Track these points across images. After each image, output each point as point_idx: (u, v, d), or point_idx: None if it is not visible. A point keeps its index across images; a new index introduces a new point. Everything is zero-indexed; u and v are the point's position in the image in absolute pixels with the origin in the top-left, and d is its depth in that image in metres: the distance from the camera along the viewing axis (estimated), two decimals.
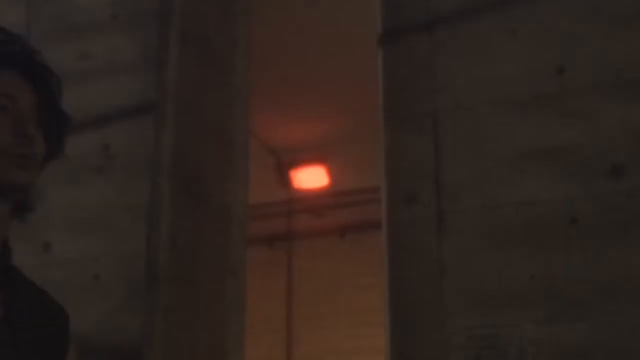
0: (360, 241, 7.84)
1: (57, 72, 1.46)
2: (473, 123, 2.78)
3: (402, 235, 2.77)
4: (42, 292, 1.43)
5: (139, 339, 2.89)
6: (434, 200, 2.74)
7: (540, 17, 2.78)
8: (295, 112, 6.72)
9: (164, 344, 3.01)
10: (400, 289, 2.74)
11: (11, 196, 1.36)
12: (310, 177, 7.91)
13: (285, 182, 7.94)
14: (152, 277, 3.04)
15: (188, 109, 3.37)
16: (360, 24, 4.30)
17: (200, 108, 3.46)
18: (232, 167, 3.58)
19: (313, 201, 8.16)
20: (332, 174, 7.80)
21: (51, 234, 3.18)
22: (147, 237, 3.06)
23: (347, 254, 8.09)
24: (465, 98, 2.81)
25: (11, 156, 1.32)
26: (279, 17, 5.37)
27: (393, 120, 2.91)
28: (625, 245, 2.52)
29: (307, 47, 5.75)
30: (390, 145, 2.88)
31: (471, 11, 2.87)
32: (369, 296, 7.15)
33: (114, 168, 3.19)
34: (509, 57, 2.79)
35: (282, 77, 6.07)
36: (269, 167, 7.62)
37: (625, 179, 2.57)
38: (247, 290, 3.58)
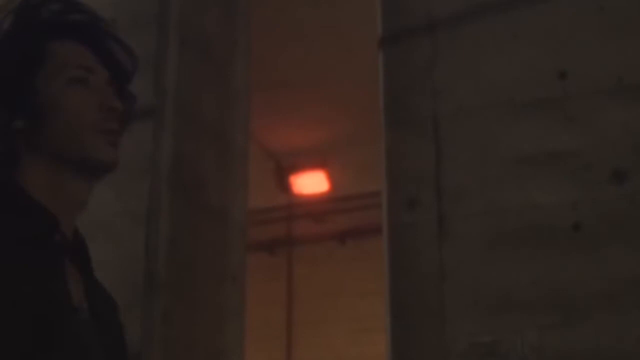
0: (360, 247, 7.85)
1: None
2: (474, 127, 2.78)
3: (402, 240, 2.77)
4: (97, 282, 1.38)
5: (137, 344, 2.89)
6: (435, 205, 2.74)
7: (542, 21, 2.78)
8: (295, 116, 6.73)
9: (163, 348, 3.01)
10: (400, 294, 2.73)
11: (100, 174, 1.31)
12: (310, 182, 7.91)
13: (285, 187, 7.94)
14: (151, 282, 3.03)
15: (187, 113, 3.38)
16: (361, 27, 4.30)
17: (200, 112, 3.46)
18: (231, 172, 3.58)
19: (313, 206, 8.16)
20: (332, 178, 7.80)
21: None
22: (146, 242, 3.06)
23: (348, 260, 8.09)
24: (467, 102, 2.81)
25: (101, 132, 1.27)
26: (278, 21, 5.37)
27: (394, 124, 2.91)
28: (628, 250, 2.52)
29: (307, 51, 5.76)
30: (391, 148, 2.88)
31: (472, 14, 2.87)
32: (370, 302, 7.15)
33: (111, 174, 3.19)
34: (510, 60, 2.79)
35: (282, 80, 6.07)
36: (268, 171, 7.63)
37: (628, 184, 2.57)
38: (247, 295, 3.57)
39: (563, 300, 2.54)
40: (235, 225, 3.54)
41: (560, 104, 2.70)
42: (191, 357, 3.18)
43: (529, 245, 2.62)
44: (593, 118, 2.65)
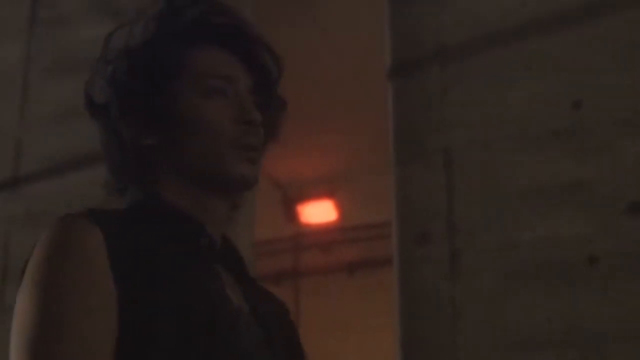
0: (370, 279, 7.82)
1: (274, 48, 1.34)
2: (487, 159, 2.78)
3: (413, 277, 2.76)
4: (261, 287, 1.36)
5: None
6: (447, 240, 2.74)
7: (555, 50, 2.79)
8: (302, 145, 6.73)
9: None
10: (412, 332, 2.72)
11: (238, 193, 1.27)
12: (318, 212, 7.91)
13: (292, 216, 7.94)
14: None
15: None
16: (370, 55, 4.32)
17: None
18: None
19: (321, 236, 8.15)
20: (340, 208, 7.79)
21: None
22: None
23: (356, 292, 8.06)
24: (479, 133, 2.81)
25: (239, 148, 1.22)
26: (286, 49, 5.38)
27: (404, 156, 2.91)
28: None
29: (315, 79, 5.78)
30: (401, 181, 2.88)
31: (484, 44, 2.88)
32: (380, 337, 7.10)
33: (116, 205, 3.19)
34: (523, 91, 2.79)
35: (289, 109, 6.08)
36: (275, 201, 7.62)
37: None
38: None
39: (579, 337, 2.53)
40: None
41: (575, 135, 2.69)
42: None
43: (543, 280, 2.61)
44: (609, 149, 2.65)
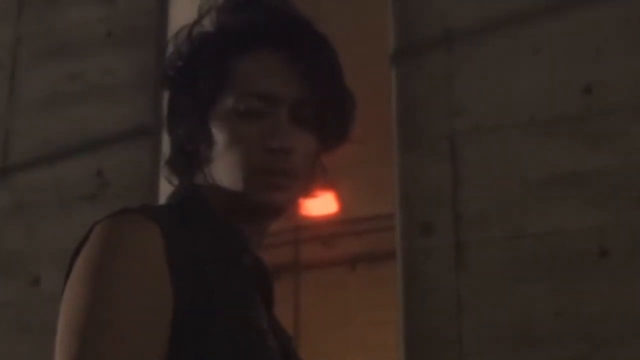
0: (372, 273, 7.82)
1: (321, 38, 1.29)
2: (493, 147, 2.77)
3: (417, 268, 2.76)
4: (274, 316, 1.38)
5: None
6: (452, 230, 2.73)
7: (565, 33, 2.78)
8: None
9: None
10: (415, 326, 2.72)
11: (265, 219, 1.27)
12: (319, 204, 7.89)
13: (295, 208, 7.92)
14: None
15: None
16: (372, 41, 4.30)
17: None
18: None
19: (321, 229, 8.13)
20: (341, 200, 7.78)
21: (40, 267, 3.18)
22: None
23: (359, 287, 8.06)
24: (485, 119, 2.80)
25: (263, 174, 1.21)
26: None
27: (407, 144, 2.90)
28: None
29: None
30: (404, 170, 2.88)
31: (491, 26, 2.87)
32: (383, 332, 7.11)
33: (108, 196, 3.19)
34: (532, 75, 2.78)
35: None
36: None
37: None
38: None
39: (589, 332, 2.52)
40: None
41: (586, 121, 2.69)
42: None
43: (552, 273, 2.60)
44: (620, 136, 2.64)
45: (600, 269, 2.56)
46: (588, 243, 2.59)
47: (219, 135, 1.24)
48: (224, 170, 1.23)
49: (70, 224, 3.14)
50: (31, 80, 3.49)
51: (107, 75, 3.37)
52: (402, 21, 3.03)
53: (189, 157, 1.28)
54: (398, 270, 2.80)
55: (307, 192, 1.33)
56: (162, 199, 3.16)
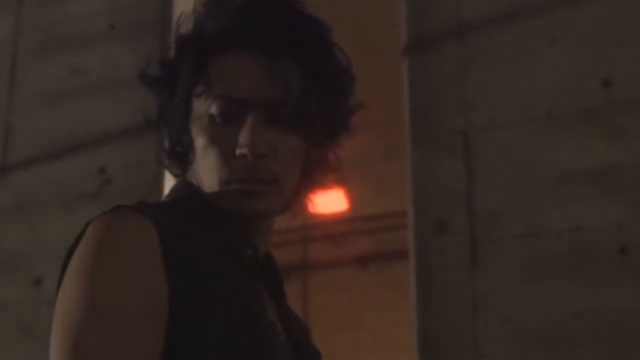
0: (383, 272, 7.82)
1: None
2: (510, 141, 2.77)
3: (431, 267, 2.75)
4: (291, 309, 1.38)
5: None
6: (467, 228, 2.73)
7: (584, 24, 2.77)
8: None
9: None
10: (429, 326, 2.72)
11: (252, 221, 1.27)
12: (328, 201, 7.89)
13: (300, 206, 7.92)
14: None
15: None
16: (384, 33, 4.29)
17: None
18: None
19: (331, 227, 8.14)
20: (351, 197, 7.78)
21: (42, 267, 3.18)
22: None
23: (369, 286, 8.06)
24: (501, 114, 2.79)
25: (236, 181, 1.22)
26: None
27: (420, 139, 2.90)
28: None
29: None
30: (417, 166, 2.87)
31: (507, 18, 2.86)
32: (395, 333, 7.10)
33: (111, 194, 3.19)
34: (549, 67, 2.78)
35: None
36: None
37: None
38: None
39: (609, 332, 2.52)
40: None
41: (605, 115, 2.68)
42: None
43: (570, 271, 2.60)
44: None
45: (619, 267, 2.55)
46: (607, 240, 2.58)
47: (197, 140, 1.25)
48: (202, 174, 1.25)
49: (72, 223, 3.12)
50: (31, 75, 3.49)
51: (110, 69, 3.37)
52: (414, 13, 3.03)
53: (180, 157, 1.31)
54: (411, 269, 2.80)
55: (305, 190, 1.35)
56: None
